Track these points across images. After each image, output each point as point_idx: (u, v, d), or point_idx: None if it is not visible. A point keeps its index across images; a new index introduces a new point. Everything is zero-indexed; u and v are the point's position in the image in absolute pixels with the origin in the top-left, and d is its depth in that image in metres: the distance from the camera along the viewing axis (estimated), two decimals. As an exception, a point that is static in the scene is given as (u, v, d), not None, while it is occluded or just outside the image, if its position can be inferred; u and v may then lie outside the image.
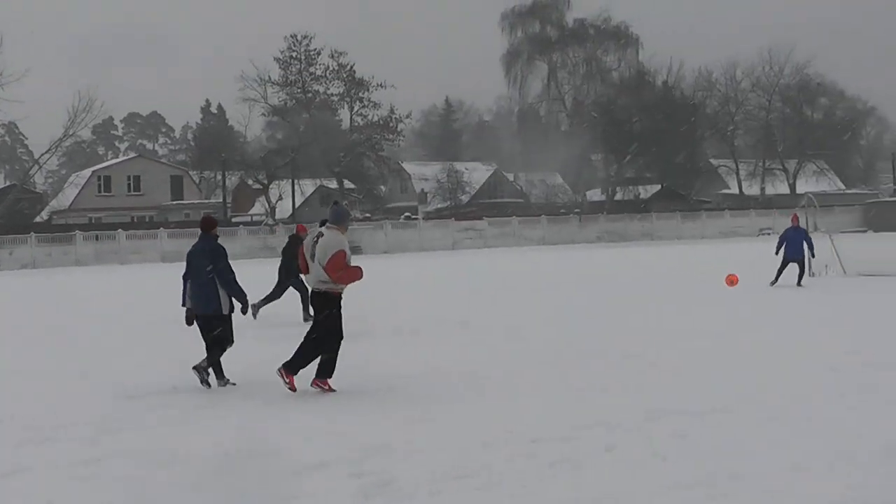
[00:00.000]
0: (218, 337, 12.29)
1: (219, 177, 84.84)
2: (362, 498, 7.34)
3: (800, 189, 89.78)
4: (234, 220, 78.89)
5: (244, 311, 12.43)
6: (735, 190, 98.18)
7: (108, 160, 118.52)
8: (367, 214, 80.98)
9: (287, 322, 19.47)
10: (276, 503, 7.36)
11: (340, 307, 11.69)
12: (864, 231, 74.25)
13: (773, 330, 16.64)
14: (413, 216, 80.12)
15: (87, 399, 11.92)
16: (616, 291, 26.55)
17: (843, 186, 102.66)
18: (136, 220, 79.82)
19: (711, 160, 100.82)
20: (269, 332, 17.97)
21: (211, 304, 12.24)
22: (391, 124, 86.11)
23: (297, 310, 19.81)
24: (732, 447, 8.39)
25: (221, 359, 12.35)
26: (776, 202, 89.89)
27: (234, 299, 12.34)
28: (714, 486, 7.27)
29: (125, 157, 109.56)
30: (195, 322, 12.45)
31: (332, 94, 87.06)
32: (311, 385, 11.53)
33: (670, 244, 69.23)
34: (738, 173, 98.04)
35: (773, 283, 25.58)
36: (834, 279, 27.62)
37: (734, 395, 10.64)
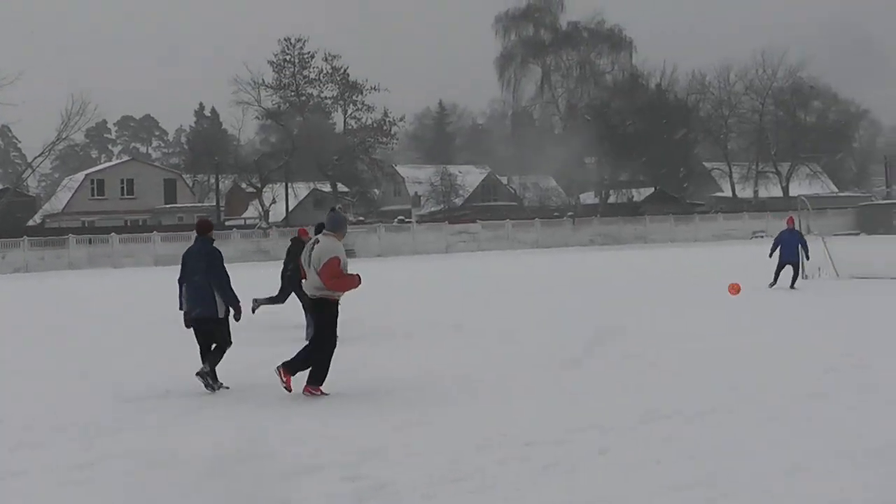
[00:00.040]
0: (216, 340, 12.30)
1: (212, 180, 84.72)
2: (357, 501, 7.35)
3: (793, 192, 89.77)
4: (227, 223, 78.80)
5: (237, 318, 12.39)
6: (728, 193, 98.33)
7: (101, 163, 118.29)
8: (361, 218, 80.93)
9: (283, 325, 19.48)
10: (270, 507, 7.37)
11: (337, 313, 11.68)
12: (857, 234, 74.41)
13: (767, 332, 16.66)
14: (407, 219, 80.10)
15: (82, 401, 11.92)
16: (610, 294, 26.57)
17: (835, 189, 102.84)
18: (129, 223, 79.75)
19: (705, 163, 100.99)
20: (265, 334, 17.95)
21: (207, 308, 12.23)
22: (385, 127, 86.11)
23: (294, 313, 19.61)
24: (728, 448, 8.42)
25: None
26: (769, 205, 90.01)
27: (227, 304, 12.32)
28: (709, 488, 7.29)
29: (118, 161, 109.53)
30: (193, 326, 12.46)
31: (325, 98, 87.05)
32: (304, 392, 11.52)
33: (663, 247, 69.34)
34: (731, 176, 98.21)
35: (771, 284, 25.66)
36: (827, 282, 27.68)
37: (728, 397, 10.66)
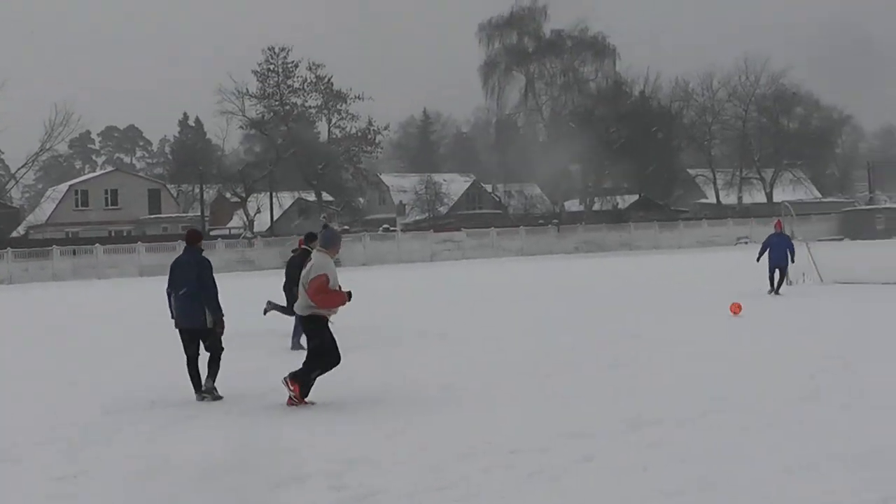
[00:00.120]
0: (208, 349, 12.30)
1: (197, 190, 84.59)
2: (342, 510, 7.35)
3: (777, 198, 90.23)
4: (212, 233, 78.66)
5: (215, 326, 12.30)
6: (712, 199, 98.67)
7: (85, 174, 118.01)
8: (346, 227, 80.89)
9: (271, 334, 19.44)
10: (255, 517, 7.36)
11: (328, 330, 11.57)
12: (841, 239, 74.71)
13: (753, 337, 16.68)
14: (391, 228, 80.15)
15: (70, 411, 11.89)
16: (594, 302, 26.60)
17: (819, 195, 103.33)
18: (113, 234, 79.52)
19: (689, 170, 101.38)
20: (252, 343, 17.87)
21: (196, 319, 12.23)
22: (369, 136, 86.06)
23: (283, 322, 19.44)
24: (716, 453, 8.43)
25: (199, 372, 12.33)
26: (753, 211, 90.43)
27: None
28: (693, 494, 7.30)
29: (102, 171, 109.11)
30: (180, 335, 12.45)
31: (309, 107, 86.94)
32: (287, 403, 11.47)
33: (648, 254, 69.49)
34: (715, 182, 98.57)
35: (770, 290, 25.66)
36: (811, 287, 27.78)
37: (715, 402, 10.68)
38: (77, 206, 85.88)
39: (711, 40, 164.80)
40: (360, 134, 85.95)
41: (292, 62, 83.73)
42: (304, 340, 12.59)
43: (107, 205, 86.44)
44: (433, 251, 73.92)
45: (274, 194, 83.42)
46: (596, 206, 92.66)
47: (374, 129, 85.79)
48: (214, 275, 12.39)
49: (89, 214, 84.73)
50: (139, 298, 35.24)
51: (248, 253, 68.67)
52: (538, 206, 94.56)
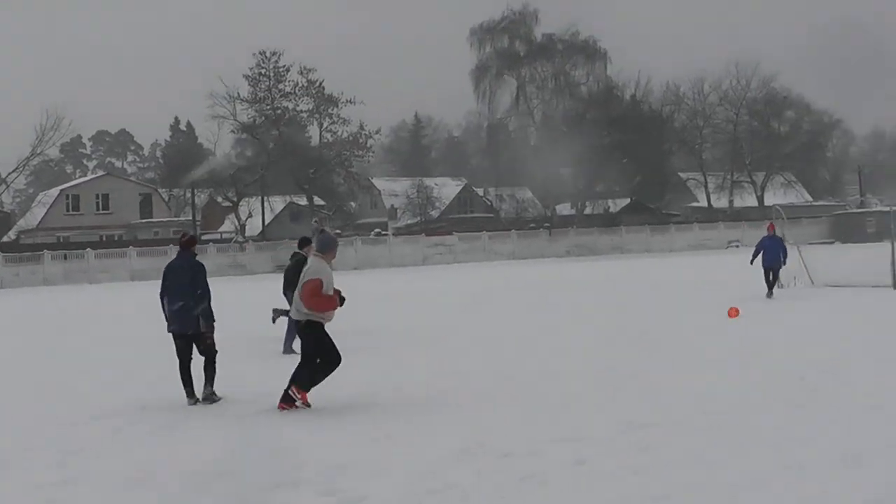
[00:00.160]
0: (202, 352, 12.28)
1: (188, 194, 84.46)
2: (333, 515, 7.34)
3: (768, 201, 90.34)
4: (203, 237, 78.55)
5: (204, 329, 12.29)
6: (704, 203, 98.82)
7: (76, 178, 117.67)
8: (338, 230, 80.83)
9: (264, 338, 19.42)
10: (246, 522, 7.35)
11: (325, 335, 11.57)
12: (832, 242, 74.82)
13: (745, 341, 16.69)
14: (383, 232, 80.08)
15: (60, 417, 11.83)
16: (586, 305, 26.61)
17: (810, 198, 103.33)
18: (104, 238, 79.32)
19: (680, 173, 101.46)
20: (245, 348, 17.87)
21: (190, 325, 12.22)
22: (361, 140, 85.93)
23: (276, 327, 19.45)
24: (707, 457, 8.44)
25: (191, 376, 12.31)
26: (744, 215, 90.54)
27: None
28: (688, 498, 7.31)
29: (93, 176, 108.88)
30: (174, 341, 12.43)
31: (301, 111, 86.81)
32: (278, 407, 11.47)
33: (640, 257, 69.57)
34: (706, 186, 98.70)
35: (769, 294, 25.69)
36: (802, 290, 27.83)
37: (707, 406, 10.69)
38: (68, 210, 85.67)
39: (702, 44, 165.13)
40: (351, 138, 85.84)
41: (284, 66, 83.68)
42: (297, 345, 12.56)
43: (98, 209, 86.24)
44: (425, 255, 73.92)
45: (265, 198, 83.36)
46: (587, 210, 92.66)
47: (365, 133, 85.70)
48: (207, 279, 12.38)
49: (80, 219, 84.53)
50: (131, 303, 35.17)
51: (239, 257, 68.60)
52: (530, 209, 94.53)
